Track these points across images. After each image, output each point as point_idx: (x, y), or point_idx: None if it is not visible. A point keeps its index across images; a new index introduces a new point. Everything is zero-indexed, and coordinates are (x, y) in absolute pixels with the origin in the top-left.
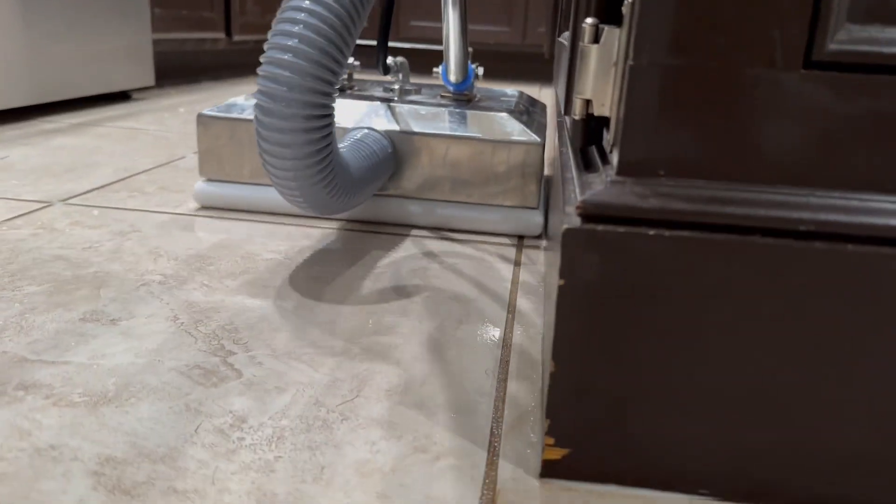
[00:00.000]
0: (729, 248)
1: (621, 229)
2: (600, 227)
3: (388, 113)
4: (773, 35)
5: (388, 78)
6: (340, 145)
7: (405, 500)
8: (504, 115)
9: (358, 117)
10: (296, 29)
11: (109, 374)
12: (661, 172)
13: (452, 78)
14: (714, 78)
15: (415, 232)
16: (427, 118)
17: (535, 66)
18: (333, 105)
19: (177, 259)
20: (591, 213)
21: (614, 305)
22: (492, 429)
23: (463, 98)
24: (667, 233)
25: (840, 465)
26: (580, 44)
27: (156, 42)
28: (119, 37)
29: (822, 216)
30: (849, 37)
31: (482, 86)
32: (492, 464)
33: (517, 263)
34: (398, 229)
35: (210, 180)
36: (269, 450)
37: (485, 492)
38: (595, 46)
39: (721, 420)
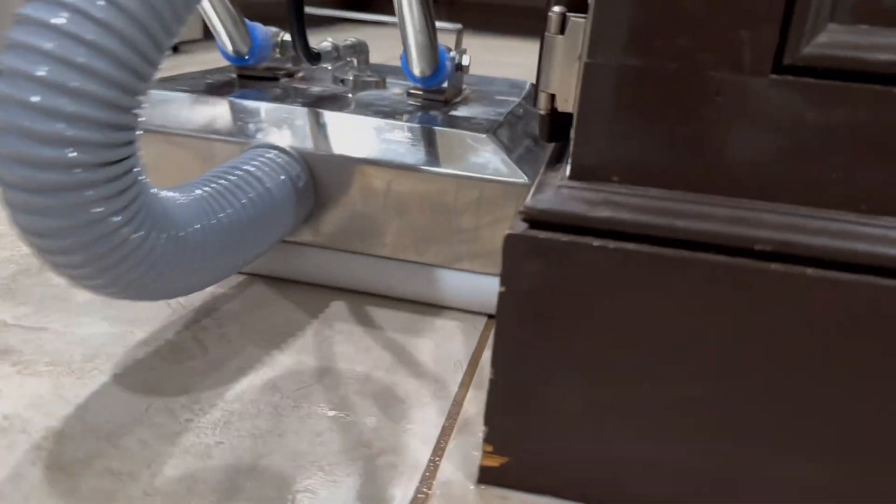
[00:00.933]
0: (678, 265)
1: (565, 238)
2: (543, 235)
3: (310, 121)
4: (740, 36)
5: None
6: (195, 185)
7: (334, 495)
8: (483, 136)
9: (266, 125)
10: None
11: (80, 344)
12: (615, 179)
13: (415, 70)
14: (674, 81)
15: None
16: (364, 132)
17: None
18: (132, 134)
19: None
20: (535, 219)
21: (554, 317)
22: (443, 428)
23: (436, 98)
24: (612, 244)
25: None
26: (546, 34)
27: None
28: None
29: (782, 235)
30: (829, 40)
31: (480, 74)
32: (434, 465)
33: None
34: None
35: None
36: (212, 434)
37: (418, 494)
38: (560, 38)
39: (662, 437)
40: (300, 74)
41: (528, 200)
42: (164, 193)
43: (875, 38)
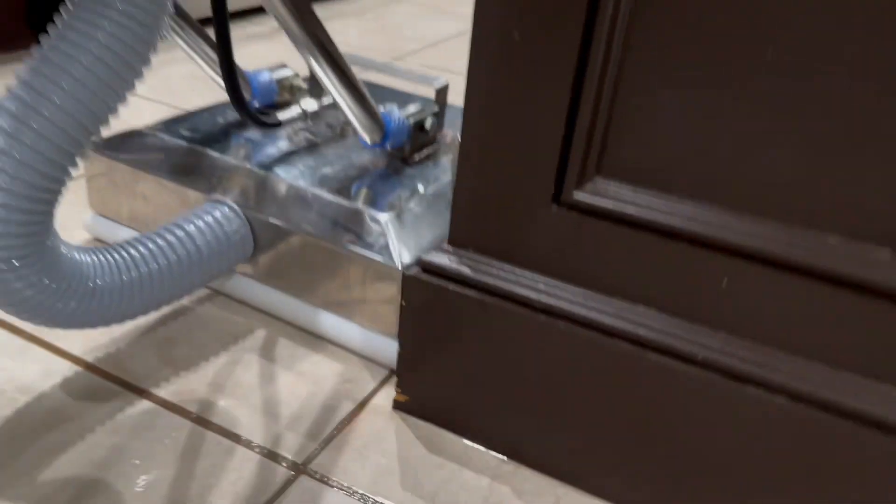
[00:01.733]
0: (492, 307)
1: (436, 280)
2: (424, 276)
3: (257, 184)
4: (529, 175)
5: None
6: (126, 245)
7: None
8: (385, 215)
9: (224, 182)
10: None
11: None
12: (469, 248)
13: (364, 139)
14: (496, 202)
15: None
16: (295, 200)
17: None
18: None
19: None
20: (424, 266)
21: (427, 323)
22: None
23: (397, 156)
24: (452, 286)
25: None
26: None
27: None
28: None
29: (543, 298)
30: (592, 189)
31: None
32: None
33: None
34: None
35: (100, 215)
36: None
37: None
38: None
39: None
40: (301, 126)
41: (425, 255)
42: (69, 253)
43: (626, 194)
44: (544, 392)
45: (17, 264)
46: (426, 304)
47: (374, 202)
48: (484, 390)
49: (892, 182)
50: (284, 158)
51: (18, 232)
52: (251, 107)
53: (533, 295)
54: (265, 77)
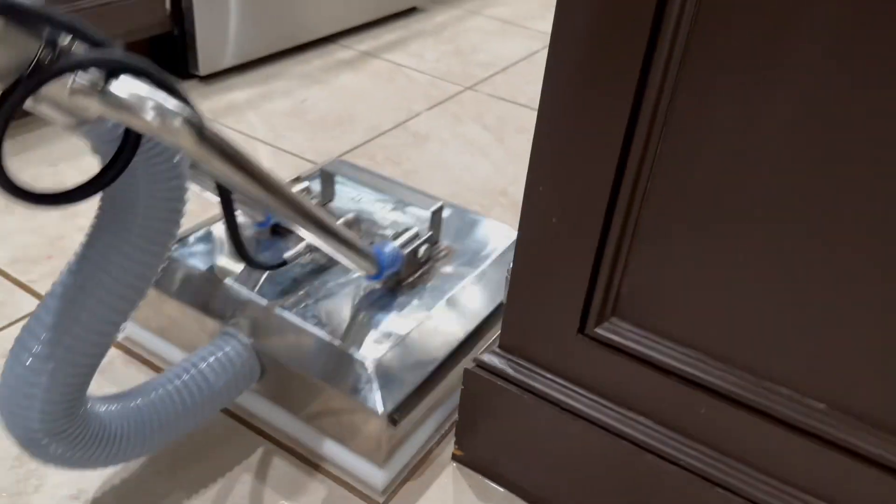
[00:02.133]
0: (525, 400)
1: (486, 375)
2: (478, 371)
3: (264, 318)
4: (564, 312)
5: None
6: (146, 389)
7: None
8: (371, 363)
9: (235, 312)
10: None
11: None
12: (514, 353)
13: (360, 273)
14: (534, 323)
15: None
16: (295, 337)
17: None
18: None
19: None
20: (479, 363)
21: (479, 404)
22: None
23: (393, 280)
24: (498, 381)
25: None
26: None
27: None
28: None
29: (565, 399)
30: (609, 327)
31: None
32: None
33: None
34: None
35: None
36: None
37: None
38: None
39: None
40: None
41: (480, 354)
42: (98, 407)
43: (634, 334)
44: (563, 465)
45: (55, 436)
46: (478, 391)
47: (363, 342)
48: (518, 455)
49: (827, 351)
50: (291, 289)
51: (57, 411)
52: (256, 257)
53: (558, 396)
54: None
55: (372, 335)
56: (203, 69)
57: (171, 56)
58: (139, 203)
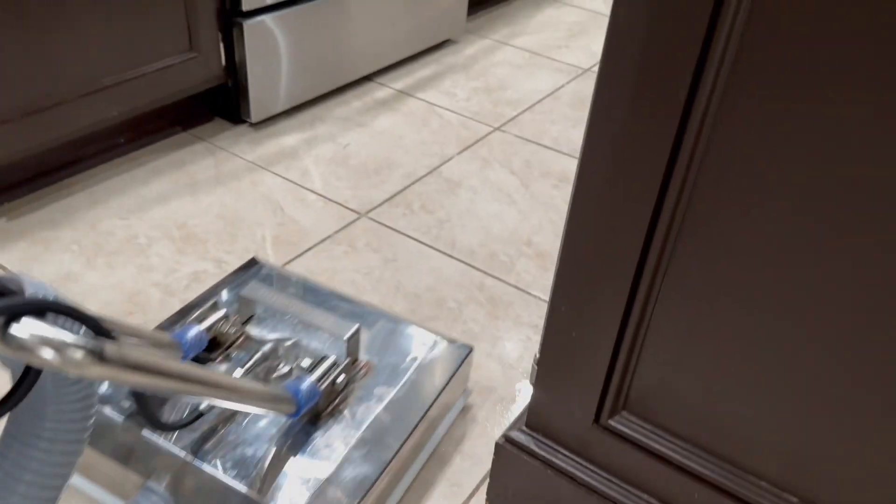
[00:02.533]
0: (546, 472)
1: (513, 449)
2: (507, 445)
3: (181, 466)
4: (581, 407)
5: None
6: None
7: None
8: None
9: (152, 465)
10: None
11: None
12: (538, 432)
13: (282, 416)
14: (556, 411)
15: None
16: (211, 483)
17: None
18: None
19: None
20: (507, 439)
21: (507, 472)
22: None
23: (311, 414)
24: (526, 457)
25: None
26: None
27: None
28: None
29: (580, 474)
30: (620, 420)
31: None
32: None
33: None
34: None
35: None
36: None
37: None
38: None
39: None
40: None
41: (507, 431)
42: None
43: (641, 427)
44: None
45: None
46: (507, 461)
47: (281, 492)
48: None
49: (800, 454)
50: (210, 435)
51: None
52: (161, 420)
53: (574, 472)
54: (193, 331)
55: (291, 483)
56: (255, 117)
57: (225, 105)
58: (47, 410)
